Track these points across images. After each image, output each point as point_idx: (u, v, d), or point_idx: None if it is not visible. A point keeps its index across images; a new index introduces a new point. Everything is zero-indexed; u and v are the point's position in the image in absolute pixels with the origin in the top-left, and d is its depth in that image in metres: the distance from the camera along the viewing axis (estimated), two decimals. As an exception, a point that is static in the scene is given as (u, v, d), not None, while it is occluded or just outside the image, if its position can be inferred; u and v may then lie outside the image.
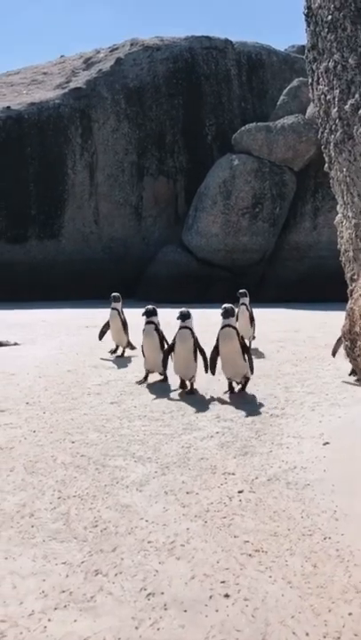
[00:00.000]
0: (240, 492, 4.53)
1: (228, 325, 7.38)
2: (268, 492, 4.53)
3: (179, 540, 3.84)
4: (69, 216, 25.63)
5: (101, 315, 11.65)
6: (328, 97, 5.71)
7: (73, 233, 25.60)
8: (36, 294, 22.77)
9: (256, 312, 15.94)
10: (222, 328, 7.39)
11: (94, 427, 6.17)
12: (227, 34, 30.60)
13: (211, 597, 3.24)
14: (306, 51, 5.73)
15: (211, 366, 7.57)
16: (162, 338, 8.26)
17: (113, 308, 10.40)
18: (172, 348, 7.71)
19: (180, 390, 7.73)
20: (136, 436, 5.86)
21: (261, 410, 6.74)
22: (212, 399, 7.28)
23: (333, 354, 8.54)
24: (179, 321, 7.69)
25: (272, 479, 4.76)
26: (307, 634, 2.93)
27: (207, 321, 9.98)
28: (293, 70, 29.71)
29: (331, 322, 15.03)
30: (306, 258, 23.16)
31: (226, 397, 7.37)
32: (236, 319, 10.36)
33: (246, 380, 7.51)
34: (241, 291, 10.86)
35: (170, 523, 4.08)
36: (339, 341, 8.05)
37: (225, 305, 7.57)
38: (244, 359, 7.34)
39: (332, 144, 6.17)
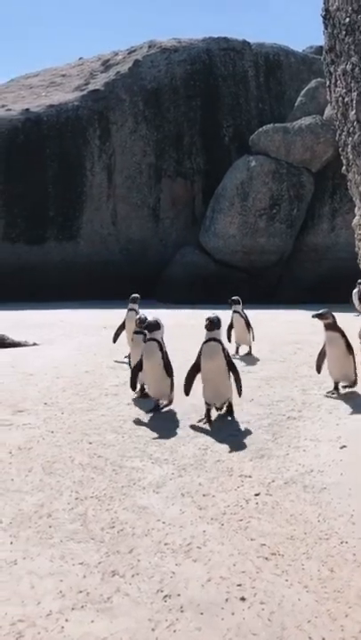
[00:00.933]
0: (257, 494, 4.54)
1: (213, 339, 6.36)
2: (285, 495, 4.53)
3: (195, 543, 3.86)
4: (87, 218, 25.74)
5: (119, 316, 11.65)
6: (346, 99, 5.70)
7: (91, 234, 25.70)
8: (54, 295, 22.87)
9: (272, 313, 15.95)
10: (206, 342, 6.37)
11: (112, 428, 6.20)
12: (244, 35, 30.51)
13: (227, 600, 3.25)
14: (323, 53, 5.73)
15: (186, 385, 6.50)
16: (166, 359, 6.86)
17: (130, 309, 9.94)
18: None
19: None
20: (153, 437, 5.88)
21: (278, 412, 6.73)
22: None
23: (318, 369, 7.62)
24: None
25: (289, 482, 4.76)
26: (323, 639, 2.93)
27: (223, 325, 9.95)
28: (311, 71, 29.61)
29: (348, 324, 14.98)
30: (324, 260, 23.05)
31: (204, 425, 6.26)
32: (231, 327, 10.39)
33: (229, 405, 6.52)
34: (233, 298, 10.71)
35: (186, 525, 4.10)
36: (321, 355, 7.53)
37: (209, 316, 6.46)
38: (230, 379, 6.38)
39: (349, 146, 6.16)
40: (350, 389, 7.38)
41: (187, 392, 6.51)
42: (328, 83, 5.76)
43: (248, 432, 6.05)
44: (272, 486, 4.69)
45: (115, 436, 5.93)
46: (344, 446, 5.49)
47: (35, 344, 11.59)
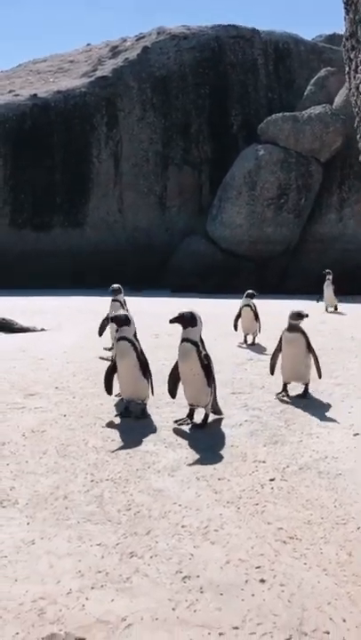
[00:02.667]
0: (272, 479, 4.54)
1: (187, 340, 5.70)
2: (300, 480, 4.54)
3: (212, 525, 3.86)
4: (94, 205, 25.72)
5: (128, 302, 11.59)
6: (365, 86, 5.64)
7: (97, 222, 25.69)
8: (61, 282, 22.91)
9: (279, 303, 15.92)
10: (181, 342, 5.75)
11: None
12: (254, 23, 30.33)
13: (246, 582, 3.26)
14: (344, 39, 5.68)
15: (169, 388, 6.00)
16: (142, 358, 6.14)
17: (115, 300, 9.26)
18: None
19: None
20: (165, 422, 5.89)
21: (290, 400, 6.73)
22: (240, 392, 7.27)
23: (272, 370, 7.11)
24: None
25: (303, 468, 4.76)
26: (344, 620, 2.94)
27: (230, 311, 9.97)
28: (321, 60, 29.49)
29: (356, 314, 14.97)
30: (330, 250, 23.02)
31: (183, 428, 5.76)
32: (239, 317, 10.40)
33: (206, 415, 5.85)
34: (249, 291, 10.68)
35: (203, 508, 4.10)
36: (276, 354, 7.05)
37: (183, 311, 5.78)
38: (208, 384, 5.73)
39: (367, 134, 6.11)
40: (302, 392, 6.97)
41: (172, 394, 6.00)
42: (347, 69, 5.71)
43: (260, 419, 6.05)
44: (287, 472, 4.70)
45: (127, 420, 5.94)
46: (357, 434, 5.50)
47: (43, 329, 11.60)
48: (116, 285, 9.48)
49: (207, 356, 5.76)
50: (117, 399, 6.49)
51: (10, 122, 24.76)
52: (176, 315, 5.73)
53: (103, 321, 9.31)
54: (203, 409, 5.88)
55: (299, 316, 6.92)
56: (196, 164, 27.15)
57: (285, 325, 6.98)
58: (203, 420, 5.83)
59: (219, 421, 5.97)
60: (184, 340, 5.72)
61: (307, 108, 24.55)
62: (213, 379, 5.83)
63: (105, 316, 9.31)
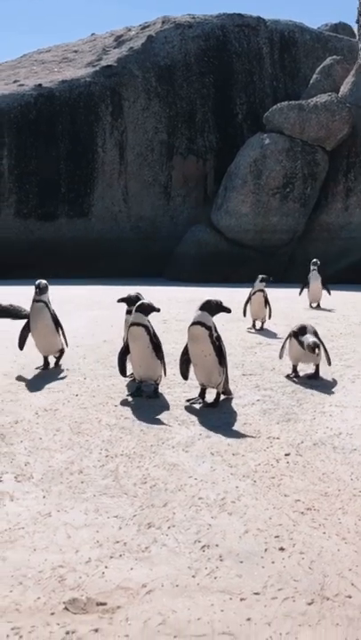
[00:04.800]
0: (287, 454, 4.54)
1: (199, 323, 5.72)
2: (315, 455, 4.53)
3: (229, 498, 3.86)
4: (99, 194, 25.65)
5: (132, 292, 11.47)
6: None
7: (102, 211, 25.62)
8: (66, 272, 22.83)
9: (287, 292, 15.88)
10: (191, 325, 5.77)
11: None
12: (259, 11, 30.20)
13: (266, 550, 3.25)
14: (357, 14, 5.64)
15: (181, 371, 6.10)
16: (155, 340, 6.12)
17: (37, 301, 7.21)
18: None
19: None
20: (178, 401, 5.88)
21: (300, 380, 6.72)
22: (250, 373, 7.26)
23: (281, 355, 7.15)
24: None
25: (318, 444, 4.76)
26: (365, 586, 2.93)
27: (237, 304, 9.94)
28: (326, 49, 29.34)
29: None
30: (336, 239, 22.93)
31: (194, 406, 5.79)
32: (249, 300, 10.37)
33: (218, 394, 5.86)
34: (262, 276, 10.62)
35: (219, 481, 4.10)
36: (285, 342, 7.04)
37: (209, 298, 5.85)
38: (220, 364, 5.74)
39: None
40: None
41: (184, 376, 6.11)
42: None
43: (272, 398, 6.04)
44: (301, 447, 4.69)
45: (139, 399, 5.93)
46: (370, 412, 5.49)
47: (51, 316, 11.58)
48: (42, 282, 7.32)
49: (219, 338, 5.78)
50: (129, 380, 6.49)
51: (14, 112, 24.67)
52: (204, 301, 5.79)
53: (22, 331, 7.32)
54: (214, 389, 5.87)
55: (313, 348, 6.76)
56: (201, 153, 27.06)
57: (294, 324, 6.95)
58: (215, 400, 5.84)
59: (229, 401, 5.97)
60: (195, 323, 5.71)
61: (312, 97, 24.42)
62: (225, 359, 5.83)
63: (24, 323, 7.38)
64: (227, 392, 6.03)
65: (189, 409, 5.67)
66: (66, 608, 2.82)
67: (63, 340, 7.35)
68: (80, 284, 19.40)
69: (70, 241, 24.65)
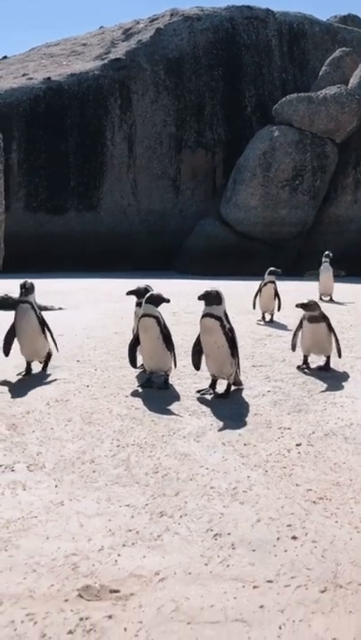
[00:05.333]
0: (298, 444, 4.54)
1: (209, 315, 5.73)
2: (327, 445, 4.52)
3: (241, 487, 3.86)
4: (108, 188, 25.66)
5: (141, 284, 11.41)
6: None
7: (111, 205, 25.64)
8: (75, 265, 22.90)
9: (295, 284, 15.85)
10: (202, 317, 5.79)
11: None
12: (268, 3, 30.09)
13: (278, 539, 3.25)
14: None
15: (193, 362, 6.04)
16: (165, 331, 6.14)
17: (23, 302, 6.51)
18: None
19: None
20: (188, 392, 5.88)
21: (312, 372, 6.71)
22: (260, 365, 7.25)
23: (293, 347, 7.11)
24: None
25: (329, 434, 4.75)
26: (378, 574, 2.93)
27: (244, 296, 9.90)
28: (336, 41, 29.22)
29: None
30: (346, 231, 22.88)
31: (205, 397, 5.77)
32: (259, 292, 10.35)
33: (229, 385, 5.85)
34: (271, 269, 10.59)
35: (230, 471, 4.10)
36: (296, 332, 6.99)
37: (207, 289, 5.82)
38: (232, 355, 5.76)
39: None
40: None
41: (196, 367, 6.05)
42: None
43: (283, 389, 6.04)
44: (313, 437, 4.68)
45: (150, 390, 5.94)
46: (381, 403, 5.48)
47: (61, 308, 11.62)
48: (28, 281, 6.63)
49: (231, 329, 5.80)
50: (139, 371, 6.50)
51: (24, 105, 24.70)
52: (202, 292, 5.76)
53: (7, 336, 6.60)
54: (225, 380, 5.87)
55: (308, 306, 6.82)
56: (209, 146, 27.01)
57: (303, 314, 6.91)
58: (225, 391, 5.83)
59: (240, 392, 5.97)
60: (207, 315, 5.73)
61: (321, 89, 24.32)
62: (237, 350, 5.85)
63: (9, 327, 6.60)
64: (237, 383, 6.03)
65: (200, 400, 5.67)
66: (79, 595, 2.83)
67: (52, 344, 6.71)
68: (89, 277, 19.43)
69: (79, 234, 24.69)
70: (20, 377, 6.46)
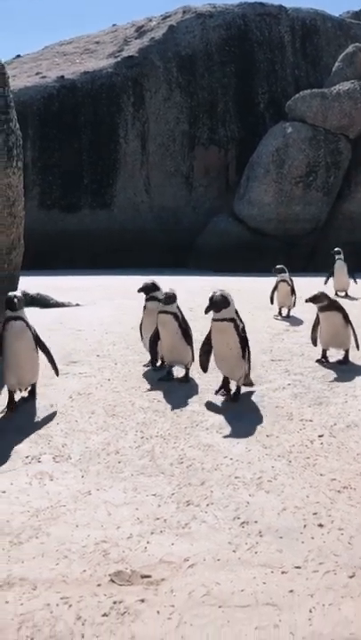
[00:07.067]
0: (320, 436, 4.57)
1: (223, 319, 5.45)
2: (349, 436, 4.56)
3: (265, 477, 3.91)
4: (121, 185, 25.72)
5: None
6: None
7: (124, 202, 25.70)
8: (89, 262, 22.97)
9: (310, 281, 15.82)
10: (214, 321, 5.53)
11: (166, 377, 6.25)
12: (280, 0, 29.91)
13: (305, 527, 3.30)
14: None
15: (200, 361, 5.81)
16: (184, 326, 6.19)
17: (14, 318, 5.34)
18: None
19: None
20: (209, 385, 5.92)
21: (329, 365, 6.73)
22: (279, 359, 7.28)
23: (314, 342, 7.08)
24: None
25: (351, 426, 4.78)
26: None
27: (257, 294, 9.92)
28: (349, 36, 29.11)
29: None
30: (360, 228, 22.79)
31: (217, 398, 5.58)
32: (275, 290, 10.38)
33: (238, 387, 5.63)
34: (278, 266, 10.62)
35: (254, 461, 4.15)
36: (315, 327, 7.03)
37: (215, 293, 5.48)
38: (243, 357, 5.52)
39: None
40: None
41: (204, 369, 5.83)
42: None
43: (303, 382, 6.07)
44: (335, 429, 4.72)
45: (171, 384, 5.99)
46: None
47: (78, 304, 11.70)
48: (18, 294, 5.53)
49: (244, 329, 5.56)
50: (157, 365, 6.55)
51: (37, 104, 24.80)
52: (208, 302, 5.41)
53: None
54: (235, 381, 5.65)
55: (317, 298, 6.83)
56: (222, 143, 27.00)
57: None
58: (234, 393, 5.60)
59: (250, 394, 5.96)
60: (218, 320, 5.46)
61: (335, 85, 24.26)
62: (249, 351, 5.61)
63: None
64: (248, 383, 5.81)
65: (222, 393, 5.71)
66: (112, 580, 2.89)
67: (52, 366, 5.64)
68: (103, 274, 19.49)
69: (93, 232, 24.76)
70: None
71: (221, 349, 5.56)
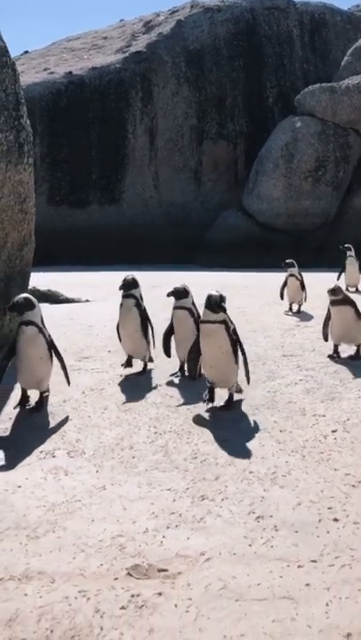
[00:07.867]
0: (334, 431, 4.58)
1: (212, 321, 5.04)
2: (362, 432, 4.56)
3: (280, 472, 3.92)
4: (130, 181, 25.74)
5: (165, 278, 11.47)
6: None
7: (133, 198, 25.72)
8: (98, 258, 23.00)
9: (318, 276, 15.80)
10: (202, 323, 5.17)
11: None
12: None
13: (320, 521, 3.31)
14: None
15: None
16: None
17: (27, 323, 5.15)
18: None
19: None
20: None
21: (341, 361, 6.73)
22: (291, 354, 7.28)
23: (325, 337, 7.05)
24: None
25: (364, 421, 4.79)
26: None
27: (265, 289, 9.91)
28: (358, 30, 28.99)
29: None
30: (369, 222, 22.73)
31: (203, 411, 5.10)
32: (285, 286, 10.37)
33: (230, 395, 5.20)
34: (288, 261, 10.62)
35: (268, 456, 4.16)
36: (326, 322, 6.99)
37: (209, 294, 5.06)
38: (236, 362, 5.12)
39: None
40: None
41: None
42: None
43: (315, 378, 6.07)
44: (348, 424, 4.72)
45: (183, 379, 6.01)
46: None
47: (88, 300, 11.73)
48: (21, 297, 5.25)
49: (235, 330, 5.14)
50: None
51: (46, 99, 24.84)
52: (210, 300, 5.02)
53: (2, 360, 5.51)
54: (226, 389, 5.22)
55: (335, 291, 6.83)
56: (231, 137, 26.96)
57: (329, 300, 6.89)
58: (226, 402, 5.17)
59: (254, 390, 6.00)
60: (206, 321, 5.05)
61: (344, 79, 24.16)
62: (244, 353, 5.18)
63: (6, 350, 5.43)
64: (238, 390, 5.36)
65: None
66: (129, 574, 2.91)
67: (64, 373, 5.41)
68: (112, 270, 19.50)
69: (102, 227, 24.81)
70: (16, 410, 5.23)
71: (213, 354, 5.09)
